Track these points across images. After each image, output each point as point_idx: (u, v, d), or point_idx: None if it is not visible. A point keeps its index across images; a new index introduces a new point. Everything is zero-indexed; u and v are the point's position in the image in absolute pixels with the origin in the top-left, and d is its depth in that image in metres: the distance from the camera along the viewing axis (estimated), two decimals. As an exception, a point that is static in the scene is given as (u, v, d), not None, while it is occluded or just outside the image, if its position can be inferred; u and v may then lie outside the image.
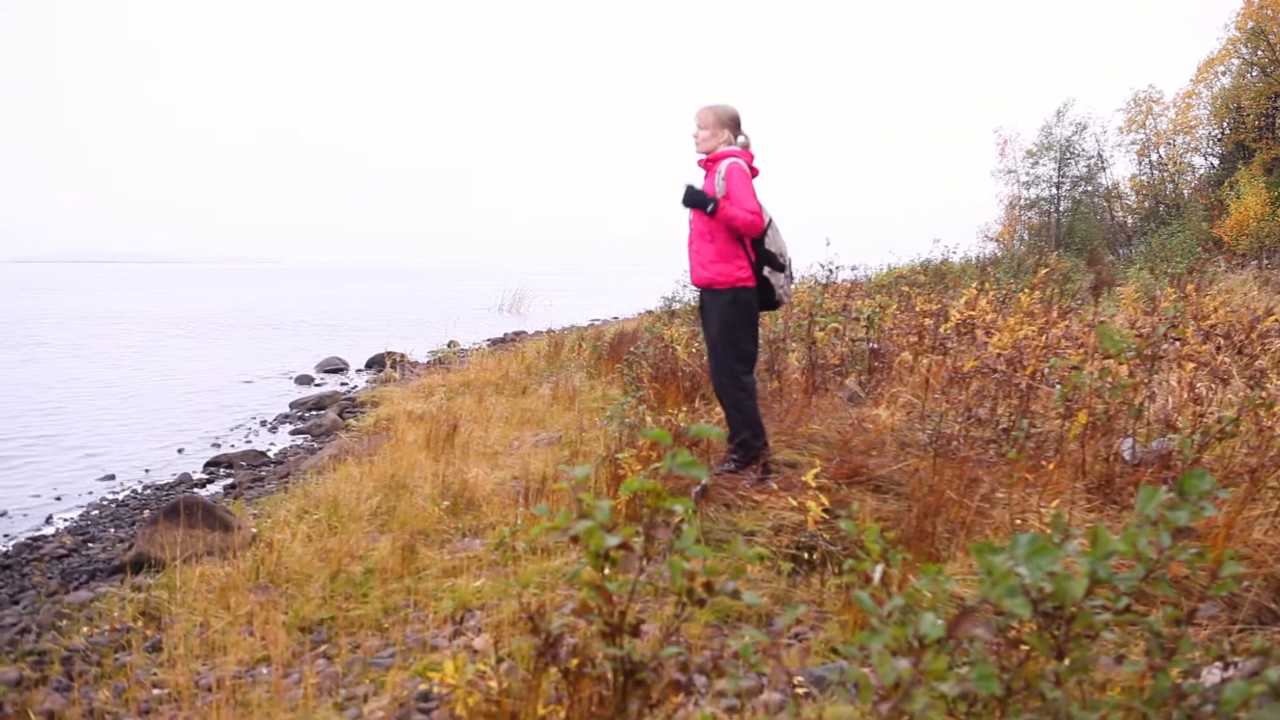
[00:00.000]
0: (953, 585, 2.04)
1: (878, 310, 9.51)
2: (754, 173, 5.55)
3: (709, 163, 5.60)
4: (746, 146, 5.64)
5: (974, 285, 13.75)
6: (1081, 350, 7.19)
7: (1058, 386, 6.14)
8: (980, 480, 5.02)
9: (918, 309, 11.79)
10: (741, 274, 5.48)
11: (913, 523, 4.46)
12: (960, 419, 6.33)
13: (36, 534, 7.85)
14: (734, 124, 5.61)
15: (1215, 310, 9.79)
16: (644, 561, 2.26)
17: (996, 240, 40.03)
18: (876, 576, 2.43)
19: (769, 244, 5.57)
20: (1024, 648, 2.00)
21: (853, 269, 16.10)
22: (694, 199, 5.50)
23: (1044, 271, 16.42)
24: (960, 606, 1.80)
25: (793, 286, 5.68)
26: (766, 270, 5.56)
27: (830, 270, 12.69)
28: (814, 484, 4.79)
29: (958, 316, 9.95)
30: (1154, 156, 36.44)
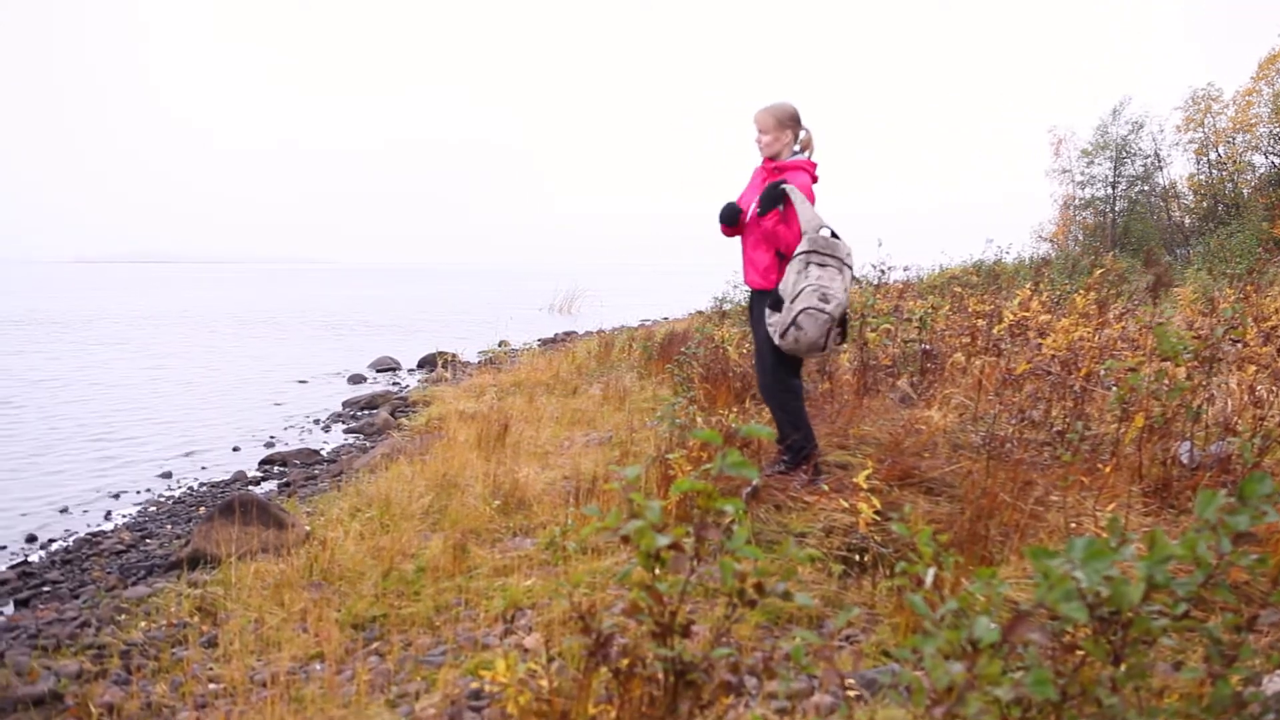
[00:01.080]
0: (1007, 589, 2.02)
1: (930, 311, 9.44)
2: (814, 180, 5.47)
3: (777, 171, 5.49)
4: (809, 144, 5.56)
5: (1028, 286, 13.60)
6: (1138, 352, 7.10)
7: (1114, 389, 6.07)
8: (1034, 483, 4.97)
9: (970, 310, 11.69)
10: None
11: (965, 525, 4.43)
12: (1014, 421, 6.27)
13: (96, 530, 7.99)
14: (794, 122, 5.49)
15: (1276, 312, 9.62)
16: (694, 562, 2.25)
17: (1050, 240, 39.57)
18: (929, 580, 2.41)
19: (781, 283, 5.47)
20: (1080, 653, 1.97)
21: (905, 270, 15.98)
22: (771, 192, 5.43)
23: (1099, 272, 16.23)
24: (1014, 611, 1.78)
25: (798, 332, 5.45)
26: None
27: (882, 271, 12.61)
28: (865, 485, 4.76)
29: (1011, 317, 9.85)
30: (1213, 155, 35.84)
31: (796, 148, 5.53)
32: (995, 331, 9.50)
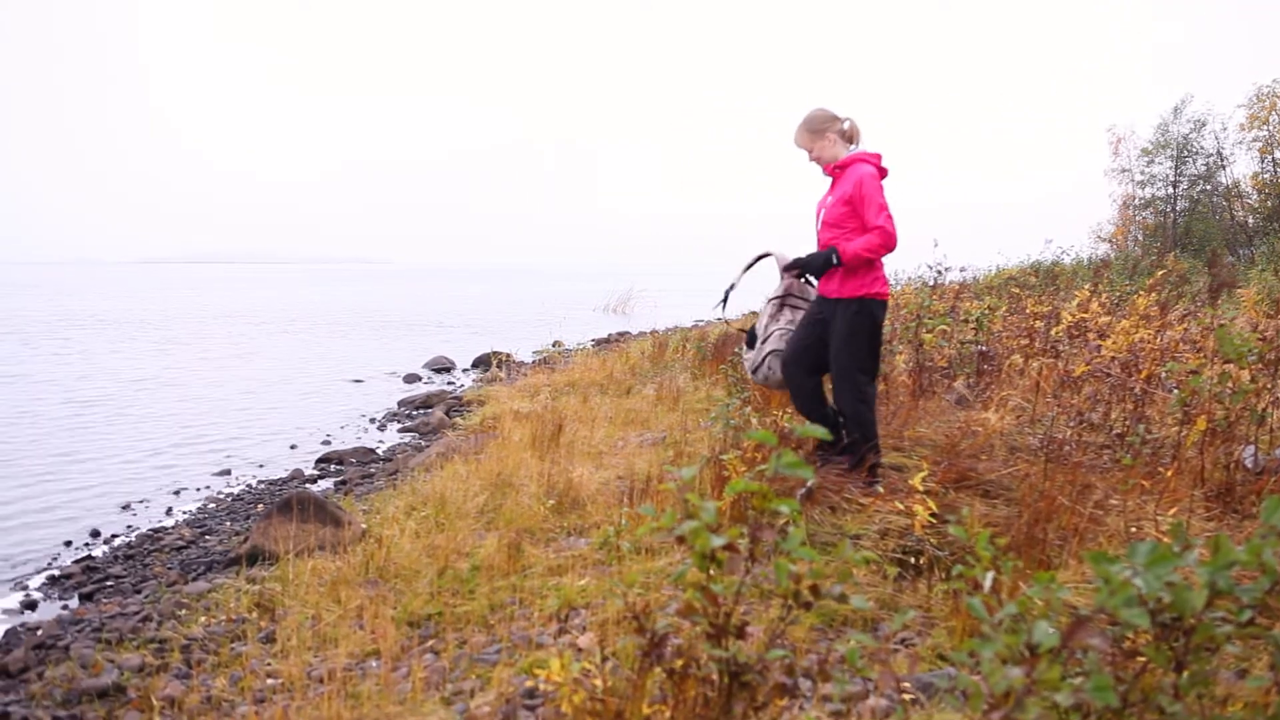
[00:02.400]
0: (1066, 593, 2.00)
1: (986, 312, 9.35)
2: (883, 173, 5.37)
3: (839, 169, 5.43)
4: (855, 132, 5.49)
5: (1087, 287, 13.44)
6: (1200, 354, 6.99)
7: (1175, 391, 5.98)
8: (1093, 486, 4.91)
9: (1028, 311, 11.57)
10: (872, 287, 5.33)
11: (1023, 529, 4.38)
12: (1072, 423, 6.19)
13: (157, 526, 8.12)
14: (829, 122, 5.43)
15: (1343, 313, 9.43)
16: (749, 563, 2.25)
17: (1110, 241, 39.01)
18: (987, 583, 2.39)
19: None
20: (1141, 659, 1.95)
21: (961, 270, 15.84)
22: (811, 263, 5.39)
23: (1161, 273, 15.99)
24: (1073, 615, 1.76)
25: (768, 371, 5.73)
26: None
27: (939, 271, 12.51)
28: (921, 488, 4.73)
29: (1070, 319, 9.74)
30: (1278, 154, 35.15)
31: (846, 145, 5.49)
32: (1053, 333, 9.39)
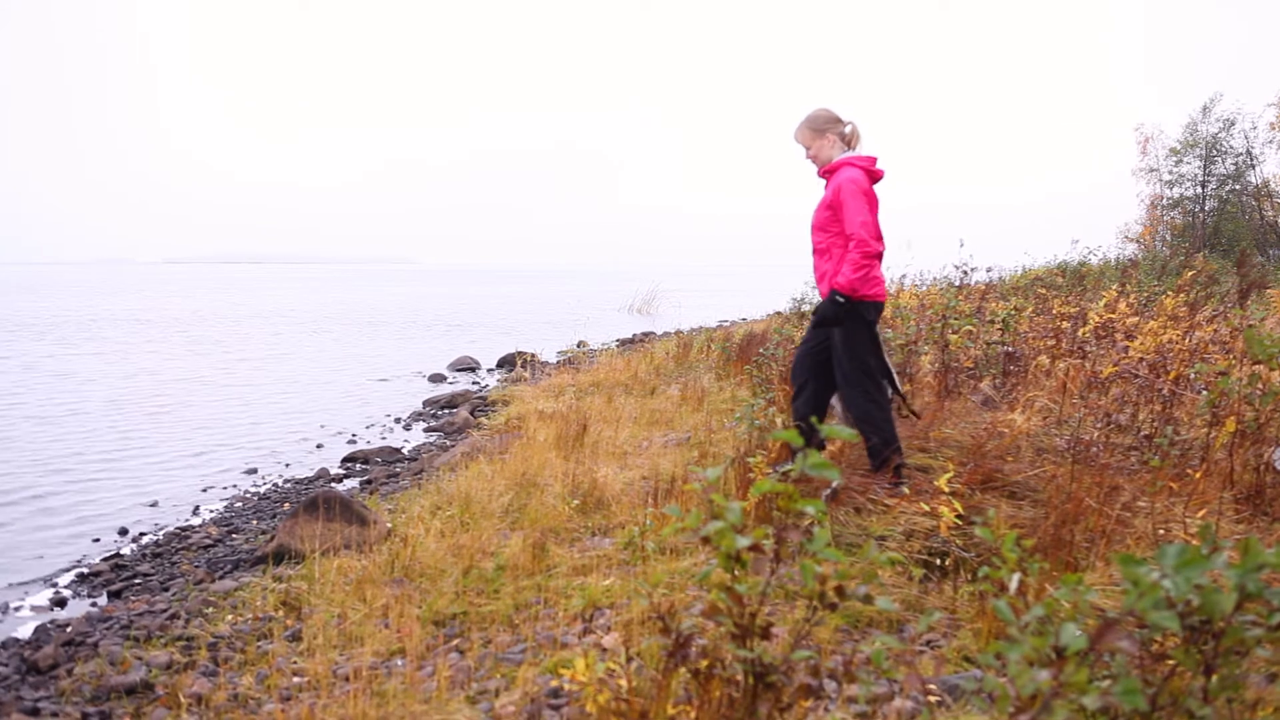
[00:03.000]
0: (1093, 596, 1.99)
1: (1013, 313, 9.30)
2: (876, 177, 5.39)
3: (827, 173, 5.47)
4: (855, 136, 5.51)
5: (1114, 287, 13.35)
6: (1229, 355, 6.93)
7: (1204, 393, 5.93)
8: (1121, 488, 4.88)
9: (1055, 311, 11.51)
10: (868, 289, 5.36)
11: (1049, 530, 4.36)
12: (1099, 425, 6.16)
13: (185, 524, 8.17)
14: (832, 123, 5.46)
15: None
16: (774, 564, 2.25)
17: (1137, 241, 38.73)
18: (1013, 585, 2.38)
19: None
20: (1170, 662, 1.93)
21: (987, 270, 15.76)
22: (829, 315, 5.37)
23: (1189, 273, 15.87)
24: (1101, 618, 1.75)
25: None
26: None
27: (965, 272, 12.45)
28: (947, 489, 4.71)
29: (1097, 319, 9.68)
30: (1309, 153, 34.83)
31: (844, 148, 5.50)
32: (1081, 334, 9.33)
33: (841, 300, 5.24)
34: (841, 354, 5.40)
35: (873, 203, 5.32)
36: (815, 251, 5.53)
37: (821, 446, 5.43)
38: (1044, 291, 15.46)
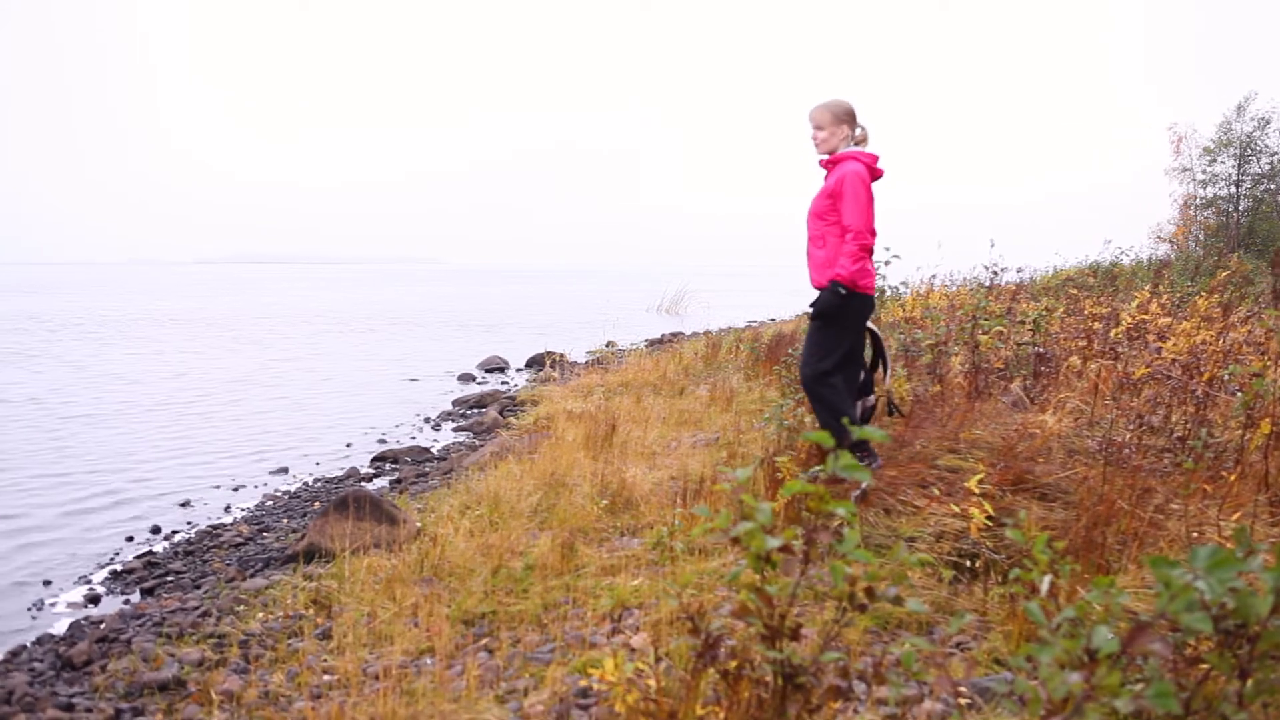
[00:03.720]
0: (1125, 598, 1.97)
1: (1044, 313, 9.24)
2: (877, 174, 5.41)
3: (830, 163, 5.48)
4: (864, 140, 5.52)
5: (1147, 288, 13.25)
6: (1264, 356, 6.87)
7: (1238, 394, 5.88)
8: (1154, 490, 4.83)
9: (1086, 312, 11.43)
10: (861, 280, 5.31)
11: (1081, 532, 4.33)
12: (1132, 426, 6.11)
13: (216, 522, 8.23)
14: (850, 118, 5.47)
15: None
16: (804, 565, 2.24)
17: (1170, 241, 38.36)
18: (1044, 587, 2.37)
19: None
20: (1203, 666, 1.92)
21: (1018, 271, 15.67)
22: (829, 305, 5.34)
23: (1223, 274, 15.73)
24: (1134, 621, 1.74)
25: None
26: None
27: (995, 272, 12.38)
28: (977, 490, 4.68)
29: (1129, 320, 9.61)
30: (1346, 152, 34.40)
31: (852, 145, 5.49)
32: (1112, 334, 9.27)
33: (844, 292, 5.24)
34: (812, 331, 5.40)
35: (871, 199, 5.33)
36: (810, 239, 5.53)
37: (857, 447, 5.40)
38: (1075, 292, 15.36)
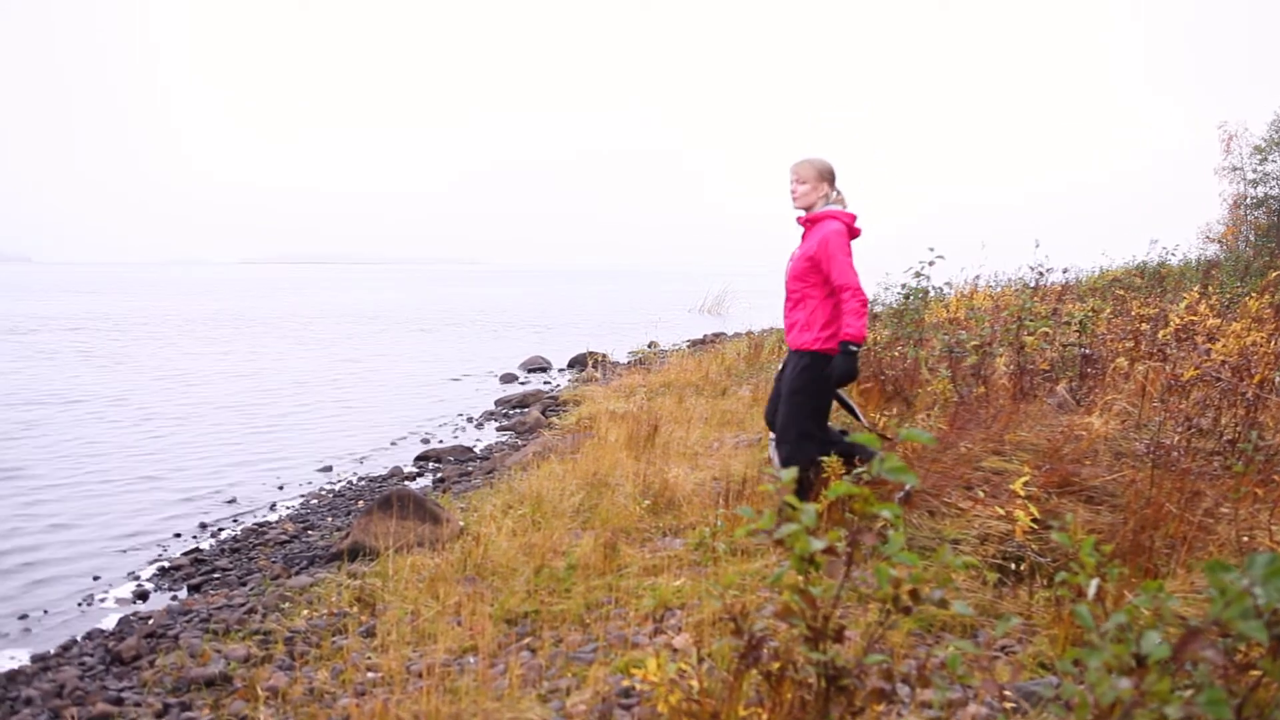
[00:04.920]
0: (1174, 603, 1.95)
1: (1090, 314, 9.15)
2: (855, 234, 5.38)
3: (809, 221, 5.44)
4: (841, 202, 5.48)
5: (1195, 289, 13.09)
6: (1317, 358, 6.76)
7: (1290, 396, 5.79)
8: (1203, 494, 4.77)
9: (1134, 313, 11.30)
10: (829, 342, 5.28)
11: (1128, 536, 4.28)
12: (1180, 429, 6.03)
13: (262, 520, 8.31)
14: (831, 177, 5.46)
15: None
16: (848, 566, 2.23)
17: (1219, 241, 37.81)
18: (1092, 591, 2.34)
19: None
20: (1255, 673, 1.89)
21: (1064, 271, 15.51)
22: (847, 369, 5.25)
23: (1274, 274, 15.49)
24: (1184, 626, 1.72)
25: None
26: None
27: (1040, 273, 12.27)
28: (1022, 492, 4.64)
29: (1178, 321, 9.49)
30: (1403, 151, 33.74)
31: (829, 205, 5.44)
32: (1160, 335, 9.16)
33: (855, 350, 5.19)
34: (789, 396, 5.34)
35: (851, 256, 5.32)
36: (789, 300, 5.49)
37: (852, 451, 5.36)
38: (1122, 293, 15.19)
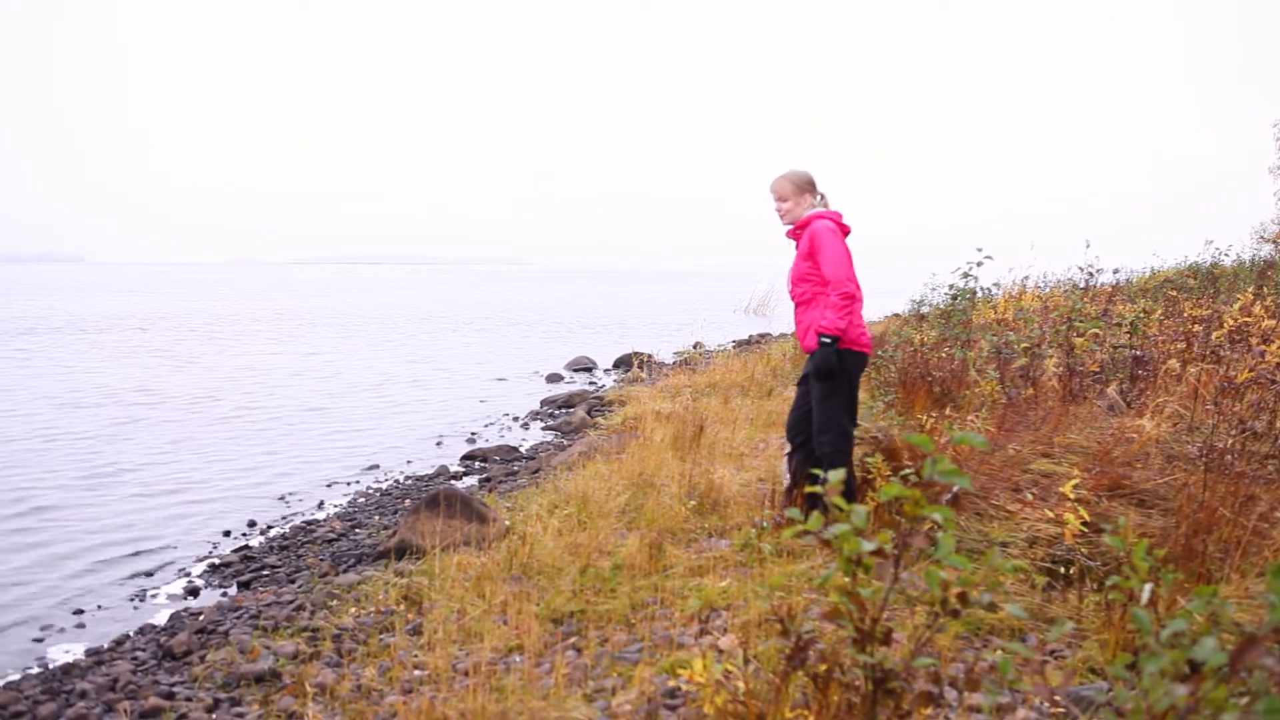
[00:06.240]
0: (1229, 609, 1.92)
1: (1141, 315, 9.04)
2: (845, 231, 5.38)
3: (797, 230, 5.45)
4: (826, 205, 5.47)
5: (1250, 290, 12.89)
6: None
7: (1347, 400, 5.70)
8: (1257, 498, 4.70)
9: (1186, 314, 11.15)
10: (853, 333, 5.25)
11: (1180, 540, 4.23)
12: (1234, 432, 5.94)
13: (310, 518, 8.40)
14: (812, 186, 5.49)
15: None
16: (897, 569, 2.22)
17: (1274, 242, 37.22)
18: (1145, 596, 2.31)
19: None
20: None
21: (1114, 272, 15.33)
22: (827, 364, 5.24)
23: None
24: (1240, 633, 1.69)
25: None
26: None
27: (1090, 274, 12.13)
28: (1072, 495, 4.60)
29: (1231, 323, 9.35)
30: None
31: (821, 210, 5.43)
32: (1213, 337, 9.03)
33: (828, 341, 5.16)
34: (821, 400, 5.31)
35: (848, 251, 5.29)
36: (797, 305, 5.51)
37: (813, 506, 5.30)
38: (1174, 294, 14.99)
